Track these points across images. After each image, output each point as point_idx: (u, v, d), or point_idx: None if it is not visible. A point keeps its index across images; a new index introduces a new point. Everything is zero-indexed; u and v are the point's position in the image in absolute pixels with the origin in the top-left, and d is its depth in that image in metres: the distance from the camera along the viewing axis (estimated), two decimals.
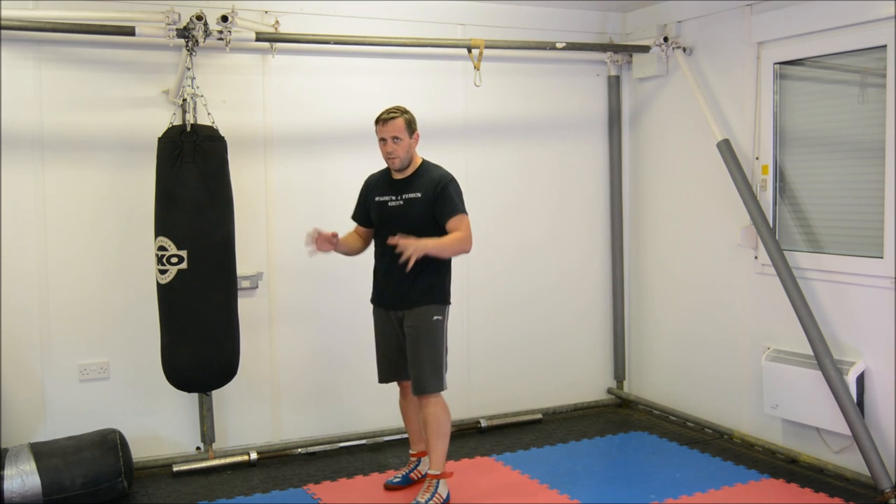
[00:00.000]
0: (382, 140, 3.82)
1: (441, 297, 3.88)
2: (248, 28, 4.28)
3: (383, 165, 4.00)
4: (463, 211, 3.83)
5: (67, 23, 3.94)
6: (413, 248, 3.61)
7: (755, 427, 4.69)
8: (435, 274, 3.85)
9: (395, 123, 3.78)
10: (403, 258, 3.60)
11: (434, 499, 3.82)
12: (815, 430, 4.35)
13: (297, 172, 4.69)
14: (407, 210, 3.83)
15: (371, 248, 4.09)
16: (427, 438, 3.88)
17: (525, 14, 5.15)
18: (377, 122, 3.83)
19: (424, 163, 3.93)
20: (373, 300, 4.05)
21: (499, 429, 5.10)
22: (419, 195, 3.83)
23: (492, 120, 5.17)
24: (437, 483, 3.87)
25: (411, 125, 3.84)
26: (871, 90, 4.10)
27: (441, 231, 3.81)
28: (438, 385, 3.84)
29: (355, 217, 4.11)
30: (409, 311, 3.86)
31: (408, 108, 3.88)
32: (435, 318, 3.85)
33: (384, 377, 4.08)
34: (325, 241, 3.85)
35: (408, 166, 3.88)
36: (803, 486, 4.11)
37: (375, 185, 4.00)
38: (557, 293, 5.42)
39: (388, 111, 3.82)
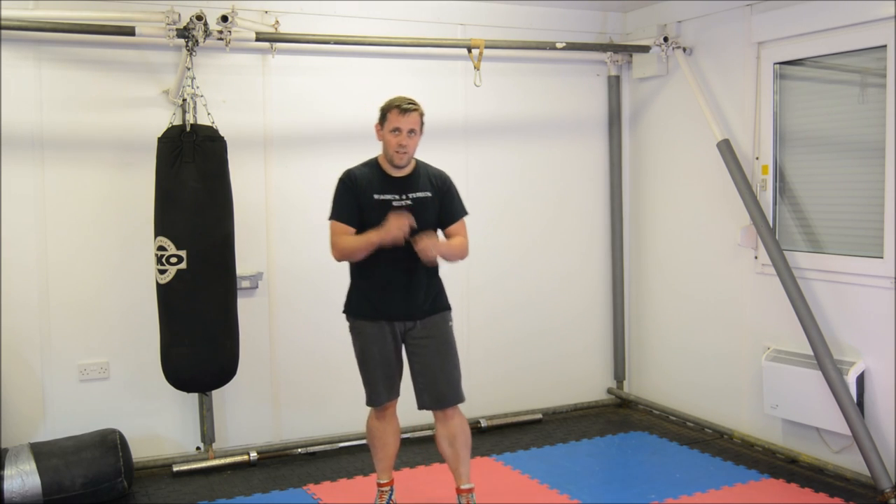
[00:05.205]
0: (396, 130, 3.46)
1: (448, 302, 3.70)
2: (248, 28, 4.28)
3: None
4: (466, 213, 3.70)
5: (67, 23, 3.94)
6: (435, 247, 3.42)
7: (755, 427, 4.69)
8: (438, 279, 3.67)
9: (415, 116, 3.49)
10: (426, 256, 3.39)
11: None
12: (815, 430, 4.34)
13: (297, 172, 4.69)
14: (418, 211, 3.50)
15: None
16: (458, 453, 3.62)
17: (525, 14, 5.15)
18: (394, 108, 3.48)
19: (418, 160, 3.66)
20: (365, 314, 3.61)
21: (499, 429, 5.10)
22: (429, 194, 3.57)
23: (492, 120, 5.17)
24: (473, 496, 3.66)
25: (423, 121, 3.57)
26: (871, 90, 4.10)
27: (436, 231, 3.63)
28: (462, 394, 3.65)
29: (343, 217, 3.53)
30: (423, 320, 3.59)
31: None
32: (450, 323, 3.66)
33: (384, 397, 3.64)
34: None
35: (409, 162, 3.60)
36: (803, 486, 4.10)
37: (368, 183, 3.54)
38: (557, 293, 5.42)
39: (407, 100, 3.50)
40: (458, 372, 3.65)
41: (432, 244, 3.42)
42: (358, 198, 3.53)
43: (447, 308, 3.68)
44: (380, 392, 3.64)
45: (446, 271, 4.97)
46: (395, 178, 3.57)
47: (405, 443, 4.43)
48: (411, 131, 3.49)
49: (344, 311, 3.72)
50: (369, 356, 3.62)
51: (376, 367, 3.62)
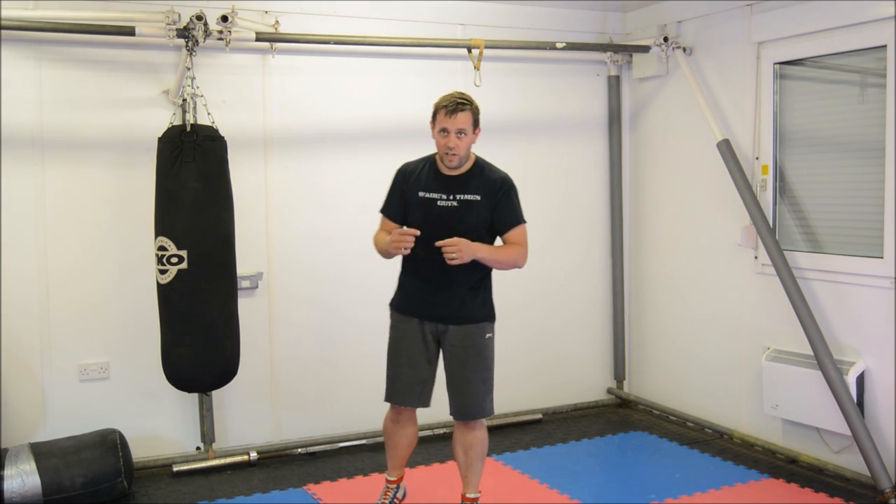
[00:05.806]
0: (444, 131, 3.34)
1: (492, 312, 3.54)
2: (248, 28, 4.28)
3: (409, 158, 3.62)
4: (524, 221, 3.49)
5: (67, 23, 3.94)
6: (465, 249, 3.27)
7: (755, 427, 4.69)
8: (486, 287, 3.52)
9: (465, 116, 3.33)
10: (452, 258, 3.26)
11: None
12: (815, 430, 4.34)
13: (297, 172, 4.69)
14: (462, 213, 3.40)
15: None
16: (470, 462, 3.55)
17: (525, 14, 5.15)
18: (442, 108, 3.35)
19: (479, 160, 3.50)
20: (401, 308, 3.56)
21: (499, 429, 5.09)
22: (478, 198, 3.40)
23: (492, 120, 5.12)
24: None
25: (477, 119, 3.40)
26: (871, 90, 4.10)
27: (493, 239, 3.50)
28: (491, 407, 3.53)
29: (389, 211, 3.56)
30: (459, 327, 3.46)
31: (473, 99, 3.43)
32: (488, 335, 3.50)
33: (413, 399, 3.54)
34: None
35: (463, 163, 3.45)
36: (803, 486, 4.11)
37: (417, 178, 3.48)
38: (557, 293, 5.42)
39: (457, 98, 3.35)
40: (488, 386, 3.52)
41: (457, 248, 3.27)
42: (405, 193, 3.50)
43: (487, 319, 3.52)
44: (399, 391, 3.55)
45: None
46: (447, 176, 3.46)
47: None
48: (460, 132, 3.34)
49: (389, 304, 3.65)
50: (395, 352, 3.56)
51: (400, 364, 3.53)
